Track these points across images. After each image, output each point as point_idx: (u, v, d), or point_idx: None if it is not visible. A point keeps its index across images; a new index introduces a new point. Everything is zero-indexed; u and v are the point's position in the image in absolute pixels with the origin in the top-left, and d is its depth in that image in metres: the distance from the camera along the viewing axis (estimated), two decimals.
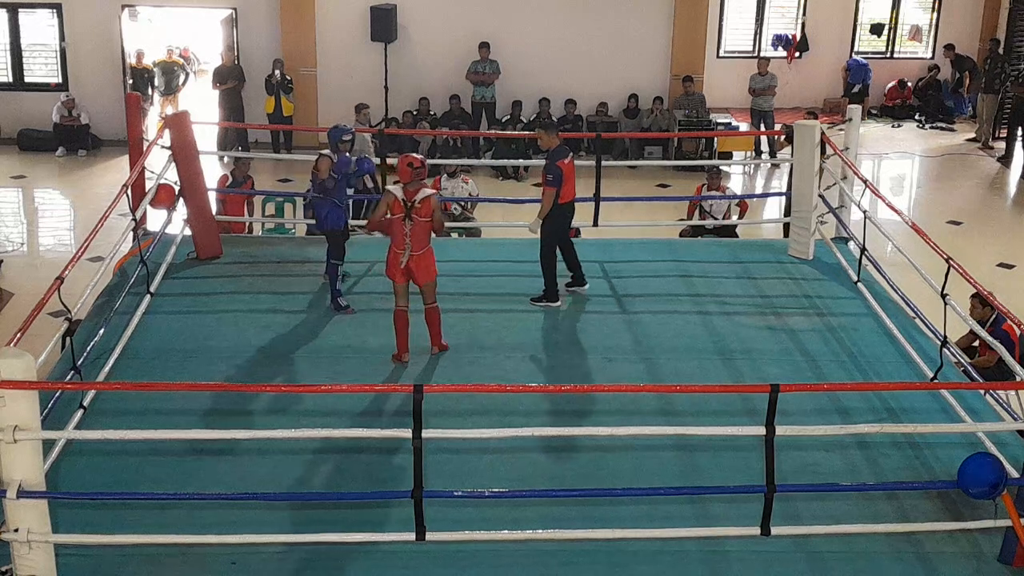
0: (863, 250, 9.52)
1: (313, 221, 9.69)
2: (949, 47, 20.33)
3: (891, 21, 21.06)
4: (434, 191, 8.22)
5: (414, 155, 8.16)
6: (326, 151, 9.24)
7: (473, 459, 7.05)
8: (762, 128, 18.29)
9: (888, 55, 21.19)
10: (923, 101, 20.65)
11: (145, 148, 9.96)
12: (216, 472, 6.90)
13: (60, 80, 18.34)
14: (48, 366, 7.47)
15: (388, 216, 8.15)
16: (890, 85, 20.80)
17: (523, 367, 8.33)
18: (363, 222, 11.19)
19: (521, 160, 16.88)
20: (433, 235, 8.23)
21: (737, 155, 18.71)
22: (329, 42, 18.15)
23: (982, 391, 8.00)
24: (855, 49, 20.72)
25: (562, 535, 6.25)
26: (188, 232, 10.06)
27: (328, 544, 6.14)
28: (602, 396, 7.71)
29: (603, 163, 10.64)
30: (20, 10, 18.21)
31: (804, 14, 20.47)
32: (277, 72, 17.53)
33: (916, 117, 20.57)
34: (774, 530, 6.10)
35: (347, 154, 9.30)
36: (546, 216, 9.09)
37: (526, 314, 9.14)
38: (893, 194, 17.12)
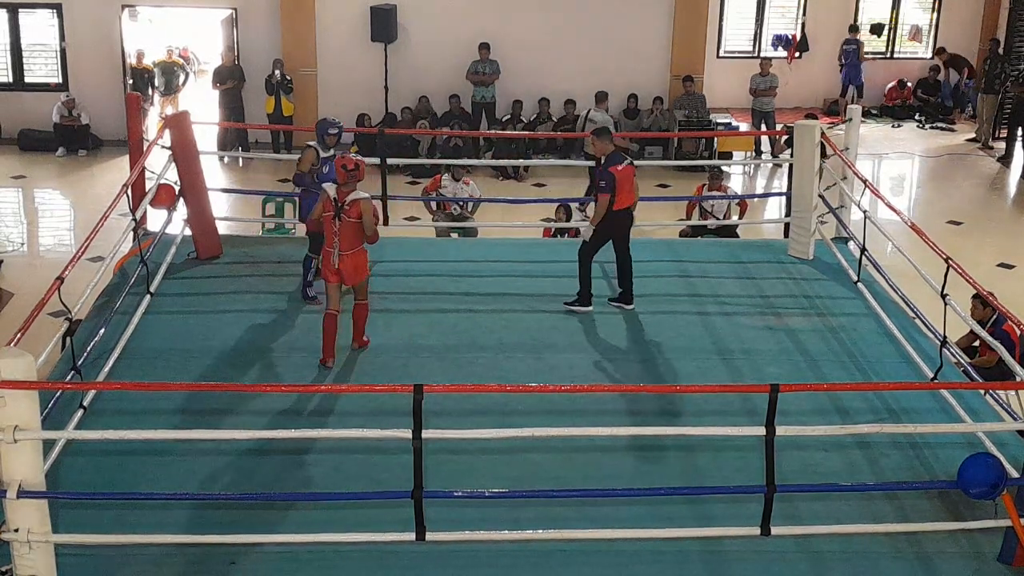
0: (863, 250, 9.52)
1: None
2: (940, 50, 20.39)
3: (891, 21, 21.07)
4: (367, 195, 8.14)
5: (349, 157, 8.16)
6: (312, 143, 9.24)
7: (473, 459, 7.05)
8: (763, 129, 18.30)
9: (888, 55, 21.20)
10: (924, 101, 20.67)
11: (145, 148, 9.96)
12: (216, 472, 6.89)
13: (60, 80, 18.34)
14: (48, 366, 7.47)
15: (322, 215, 8.19)
16: (890, 85, 20.81)
17: (523, 367, 8.33)
18: None
19: (521, 160, 16.88)
20: (368, 242, 8.17)
21: (737, 155, 18.71)
22: (329, 42, 18.15)
23: (982, 391, 8.00)
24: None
25: (562, 535, 6.25)
26: (188, 232, 10.06)
27: (328, 544, 6.14)
28: (602, 396, 7.71)
29: None
30: (20, 10, 18.21)
31: (804, 14, 20.48)
32: (277, 72, 17.54)
33: (916, 117, 20.58)
34: (774, 530, 6.10)
35: (333, 150, 9.24)
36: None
37: (526, 314, 9.14)
38: (893, 194, 17.12)
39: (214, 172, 16.57)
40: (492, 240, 12.00)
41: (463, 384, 7.79)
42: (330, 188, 8.12)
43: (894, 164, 18.94)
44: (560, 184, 16.64)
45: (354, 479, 6.85)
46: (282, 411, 7.49)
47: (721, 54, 20.29)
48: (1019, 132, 18.39)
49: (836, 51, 20.30)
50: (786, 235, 10.70)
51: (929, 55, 21.05)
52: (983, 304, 9.72)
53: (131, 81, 18.18)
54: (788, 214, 10.65)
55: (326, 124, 9.27)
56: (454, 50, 18.08)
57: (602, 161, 9.19)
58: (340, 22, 18.09)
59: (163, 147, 9.89)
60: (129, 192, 9.05)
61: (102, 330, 8.27)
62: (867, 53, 20.45)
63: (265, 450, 7.06)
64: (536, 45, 18.25)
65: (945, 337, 8.03)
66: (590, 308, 9.12)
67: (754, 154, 18.60)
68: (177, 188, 9.89)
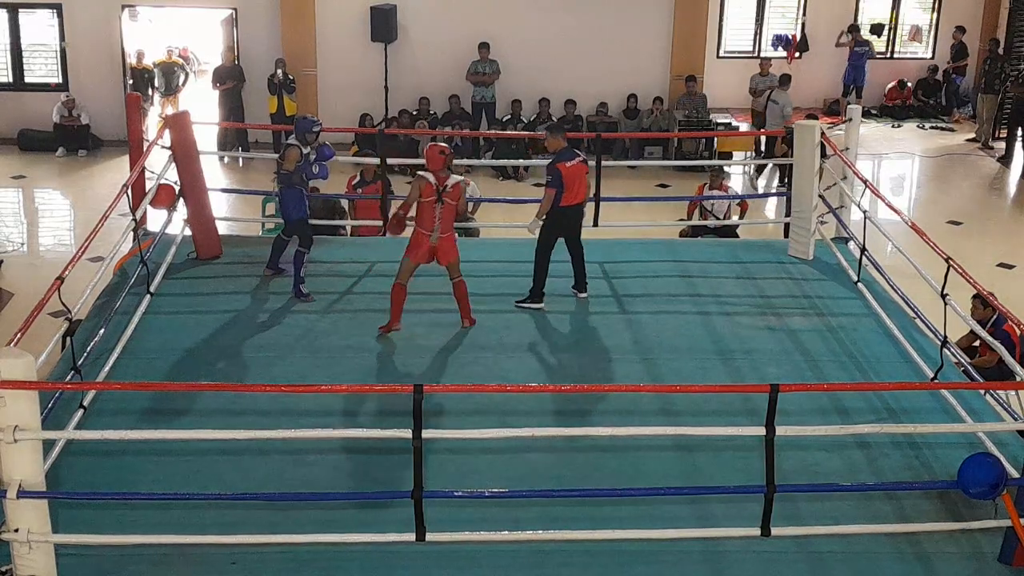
0: (863, 250, 9.52)
1: None
2: (960, 29, 20.36)
3: (891, 21, 21.07)
4: (462, 177, 8.69)
5: (441, 144, 8.59)
6: (293, 141, 9.23)
7: (473, 459, 7.05)
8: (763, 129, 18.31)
9: (888, 55, 21.20)
10: (923, 102, 20.68)
11: (145, 148, 9.95)
12: (216, 472, 6.89)
13: (60, 80, 18.34)
14: (48, 366, 7.47)
15: (419, 200, 8.49)
16: (890, 85, 20.80)
17: (523, 367, 8.33)
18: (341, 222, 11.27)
19: (521, 160, 16.89)
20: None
21: (737, 155, 18.71)
22: (329, 42, 18.15)
23: (982, 391, 8.00)
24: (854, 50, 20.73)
25: (562, 535, 6.25)
26: (188, 232, 10.06)
27: (328, 544, 6.14)
28: (602, 396, 7.71)
29: (603, 163, 10.63)
30: (20, 10, 18.21)
31: (804, 14, 20.47)
32: (279, 72, 17.54)
33: (919, 122, 20.51)
34: (774, 530, 6.10)
35: (325, 145, 9.32)
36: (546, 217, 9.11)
37: (526, 314, 9.14)
38: (893, 194, 17.12)
39: (214, 172, 16.56)
40: (492, 240, 11.99)
41: (463, 384, 7.79)
42: (427, 175, 8.46)
43: (894, 164, 18.94)
44: None
45: (354, 479, 6.85)
46: (282, 411, 7.47)
47: (721, 54, 20.28)
48: (1019, 132, 18.38)
49: (836, 51, 20.26)
50: (786, 235, 10.70)
51: (930, 55, 21.05)
52: (983, 304, 9.72)
53: (131, 81, 18.18)
54: (788, 214, 10.65)
55: (307, 123, 9.33)
56: (454, 50, 18.08)
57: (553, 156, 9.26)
58: (340, 22, 18.09)
59: (163, 147, 9.89)
60: (129, 192, 9.05)
61: (102, 330, 8.27)
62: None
63: (265, 450, 7.06)
64: (536, 45, 18.25)
65: (945, 337, 8.02)
66: (542, 305, 9.21)
67: (754, 154, 18.60)
68: (177, 188, 9.89)
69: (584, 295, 9.42)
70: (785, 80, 17.87)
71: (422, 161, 8.65)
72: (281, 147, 17.93)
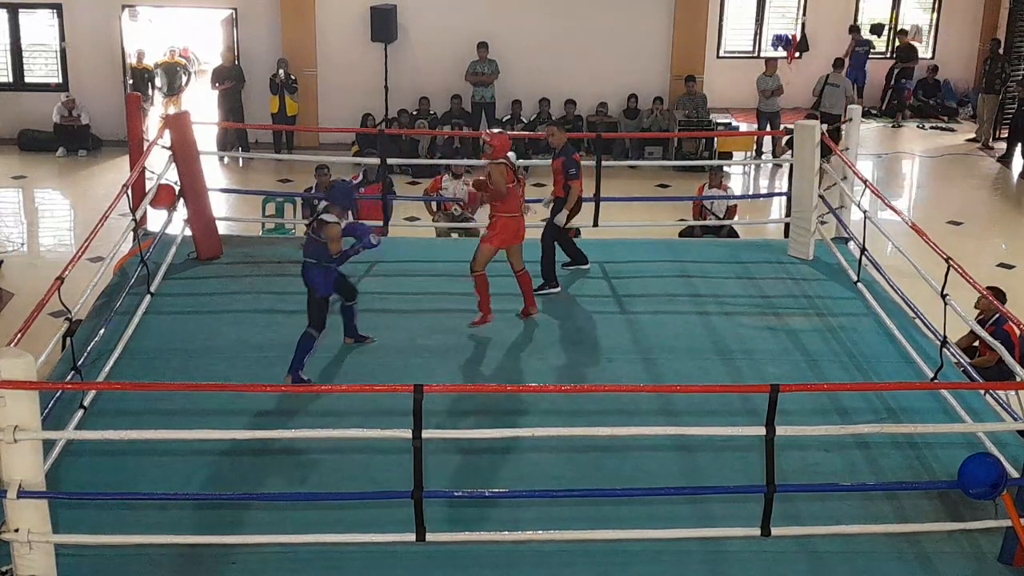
0: (863, 250, 9.52)
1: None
2: (903, 32, 20.43)
3: (891, 21, 21.07)
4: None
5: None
6: (331, 218, 7.81)
7: (473, 459, 7.05)
8: (768, 130, 18.29)
9: (888, 55, 21.19)
10: (922, 102, 20.69)
11: (145, 148, 9.95)
12: (216, 472, 6.89)
13: (60, 80, 18.34)
14: (48, 366, 7.47)
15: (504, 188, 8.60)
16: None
17: (523, 367, 8.33)
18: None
19: (521, 160, 16.87)
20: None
21: (737, 155, 18.72)
22: (329, 42, 18.16)
23: (982, 391, 8.00)
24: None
25: (562, 535, 6.25)
26: (188, 232, 10.06)
27: (328, 544, 6.14)
28: (602, 396, 7.71)
29: (603, 163, 10.64)
30: (20, 10, 18.22)
31: (804, 14, 20.48)
32: (282, 71, 17.53)
33: (918, 124, 20.53)
34: (774, 530, 6.10)
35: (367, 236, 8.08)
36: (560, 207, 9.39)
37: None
38: (893, 194, 17.12)
39: (214, 172, 16.57)
40: None
41: (463, 384, 7.78)
42: (505, 161, 8.62)
43: (894, 164, 18.94)
44: None
45: (354, 479, 6.85)
46: (282, 411, 7.48)
47: (721, 54, 20.30)
48: (1019, 144, 18.33)
49: (835, 51, 20.25)
50: (786, 235, 10.71)
51: (930, 55, 21.04)
52: (994, 296, 9.65)
53: (131, 81, 18.18)
54: (788, 214, 10.65)
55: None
56: (454, 50, 18.09)
57: (559, 151, 9.52)
58: (340, 22, 18.10)
59: (163, 147, 9.89)
60: (129, 192, 9.04)
61: (102, 330, 8.27)
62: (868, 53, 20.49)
63: (265, 450, 7.06)
64: (536, 45, 18.25)
65: (945, 337, 8.02)
66: (559, 288, 9.47)
67: (755, 154, 18.60)
68: (177, 188, 9.89)
69: (587, 266, 9.75)
70: (839, 63, 18.40)
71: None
72: (282, 148, 17.87)
